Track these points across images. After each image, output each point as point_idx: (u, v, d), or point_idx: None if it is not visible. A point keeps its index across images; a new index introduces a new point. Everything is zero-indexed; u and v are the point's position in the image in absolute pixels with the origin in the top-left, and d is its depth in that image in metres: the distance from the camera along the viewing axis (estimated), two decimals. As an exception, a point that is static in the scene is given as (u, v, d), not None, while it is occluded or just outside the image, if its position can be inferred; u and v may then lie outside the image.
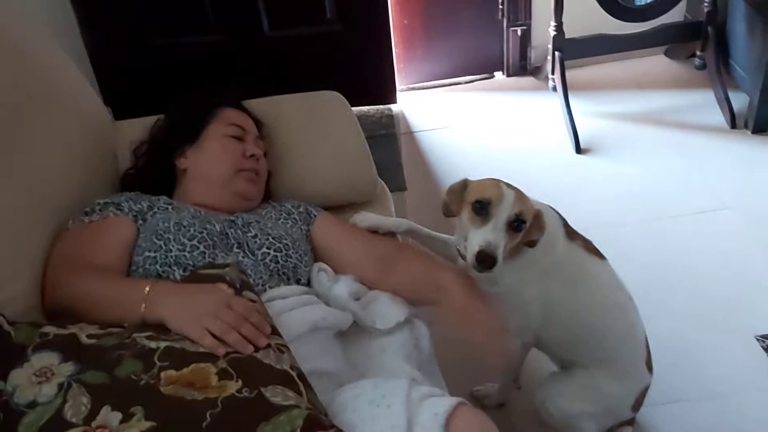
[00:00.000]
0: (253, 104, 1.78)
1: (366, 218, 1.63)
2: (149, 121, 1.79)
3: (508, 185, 1.34)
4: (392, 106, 3.18)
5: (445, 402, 1.12)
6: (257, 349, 1.13)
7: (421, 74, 3.36)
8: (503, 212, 1.29)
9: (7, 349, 1.11)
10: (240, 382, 1.06)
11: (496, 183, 1.34)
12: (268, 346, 1.15)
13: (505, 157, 2.85)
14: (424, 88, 3.37)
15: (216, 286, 1.22)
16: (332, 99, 1.87)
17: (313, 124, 1.80)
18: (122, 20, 2.85)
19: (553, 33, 2.87)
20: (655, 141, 2.87)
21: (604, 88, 3.23)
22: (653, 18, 2.91)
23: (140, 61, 2.96)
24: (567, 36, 2.90)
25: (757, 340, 1.98)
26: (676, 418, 1.79)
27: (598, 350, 1.52)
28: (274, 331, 1.20)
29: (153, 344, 1.11)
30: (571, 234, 1.47)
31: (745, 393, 1.85)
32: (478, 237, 1.29)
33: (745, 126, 2.86)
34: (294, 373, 1.12)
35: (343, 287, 1.44)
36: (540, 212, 1.36)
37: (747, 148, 2.78)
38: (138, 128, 1.79)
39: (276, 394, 1.05)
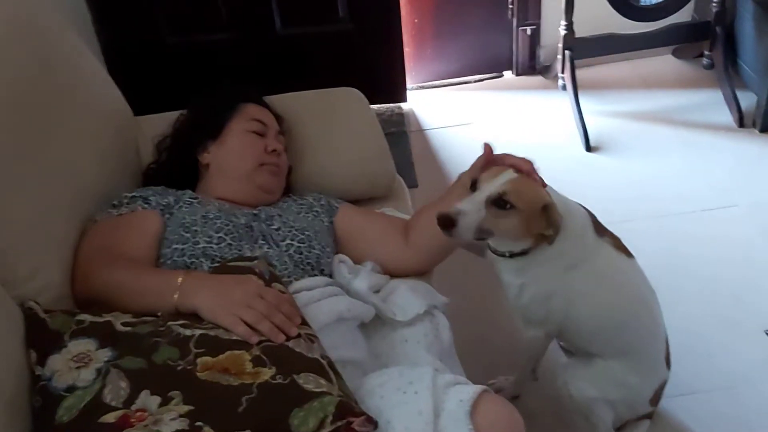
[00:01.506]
0: (273, 100, 1.81)
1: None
2: (169, 116, 1.82)
3: (523, 176, 1.36)
4: (402, 105, 3.21)
5: (470, 389, 1.15)
6: (288, 338, 1.16)
7: (431, 73, 3.39)
8: (487, 189, 1.33)
9: (44, 336, 1.14)
10: (274, 369, 1.08)
11: (501, 169, 1.37)
12: (299, 335, 1.18)
13: (516, 153, 2.87)
14: (433, 87, 3.39)
15: (248, 276, 1.24)
16: (351, 95, 1.90)
17: (332, 119, 1.83)
18: (136, 17, 2.87)
19: (563, 32, 2.90)
20: (664, 139, 2.90)
21: (612, 87, 3.26)
22: (662, 18, 2.94)
23: (153, 59, 2.98)
24: (577, 35, 2.93)
25: (767, 334, 2.01)
26: (686, 410, 1.82)
27: (619, 344, 1.54)
28: (304, 322, 1.22)
29: (188, 332, 1.14)
30: (600, 230, 1.49)
31: (755, 386, 1.88)
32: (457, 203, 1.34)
33: (753, 125, 2.89)
34: (324, 362, 1.15)
35: (362, 281, 1.46)
36: (550, 205, 1.34)
37: (755, 147, 2.81)
38: (158, 123, 1.82)
39: (309, 381, 1.08)
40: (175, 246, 1.41)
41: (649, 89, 3.23)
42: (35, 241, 1.30)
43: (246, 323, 1.15)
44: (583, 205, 1.51)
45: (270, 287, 1.25)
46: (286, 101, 1.84)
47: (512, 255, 1.45)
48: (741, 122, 2.90)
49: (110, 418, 1.01)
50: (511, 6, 3.23)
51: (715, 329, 2.04)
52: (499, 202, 1.32)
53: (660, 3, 2.90)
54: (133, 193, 1.53)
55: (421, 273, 1.61)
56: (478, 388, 1.16)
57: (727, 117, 2.97)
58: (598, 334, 1.55)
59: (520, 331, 1.60)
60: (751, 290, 2.18)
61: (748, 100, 2.93)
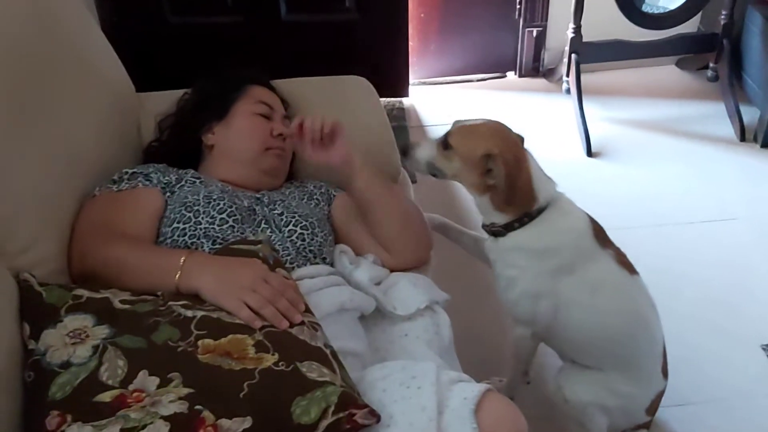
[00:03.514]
0: (280, 84, 1.77)
1: None
2: (171, 94, 1.78)
3: (485, 124, 1.47)
4: (404, 99, 3.18)
5: (475, 387, 1.13)
6: (292, 324, 1.13)
7: (434, 69, 3.36)
8: (440, 135, 1.47)
9: (39, 309, 1.10)
10: (276, 356, 1.05)
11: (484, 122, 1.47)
12: (302, 323, 1.15)
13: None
14: (435, 84, 3.37)
15: (253, 260, 1.21)
16: (359, 84, 1.87)
17: (339, 107, 1.80)
18: (140, -2, 2.84)
19: (571, 35, 2.88)
20: (665, 149, 2.89)
21: (615, 94, 3.25)
22: (671, 26, 2.93)
23: (156, 39, 2.93)
24: (584, 40, 2.91)
25: (763, 349, 2.00)
26: (680, 420, 1.81)
27: (610, 358, 1.52)
28: (307, 309, 1.19)
29: (189, 313, 1.10)
30: (604, 241, 1.46)
31: (749, 400, 1.86)
32: None
33: (754, 140, 2.89)
34: (328, 351, 1.12)
35: (364, 272, 1.43)
36: (493, 155, 1.39)
37: (755, 162, 2.80)
38: (159, 101, 1.79)
39: (312, 370, 1.05)
40: (175, 225, 1.38)
41: (652, 98, 3.22)
42: (32, 212, 1.26)
43: (249, 307, 1.12)
44: (591, 215, 1.50)
45: (274, 272, 1.21)
46: (292, 86, 1.81)
47: (494, 232, 1.47)
48: (742, 136, 2.90)
49: (106, 397, 0.98)
50: (518, 6, 3.21)
51: (711, 341, 2.03)
52: (444, 143, 1.44)
53: (669, 12, 2.88)
54: (134, 169, 1.49)
55: (412, 265, 1.58)
56: (483, 386, 1.13)
57: (728, 130, 2.96)
58: (588, 346, 1.53)
59: (510, 329, 1.59)
60: (748, 304, 2.16)
61: (750, 114, 2.92)
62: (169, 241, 1.37)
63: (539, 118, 3.11)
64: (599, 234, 1.47)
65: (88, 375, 1.00)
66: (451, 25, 3.26)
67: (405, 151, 1.52)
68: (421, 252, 1.59)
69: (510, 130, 1.48)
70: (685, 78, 3.36)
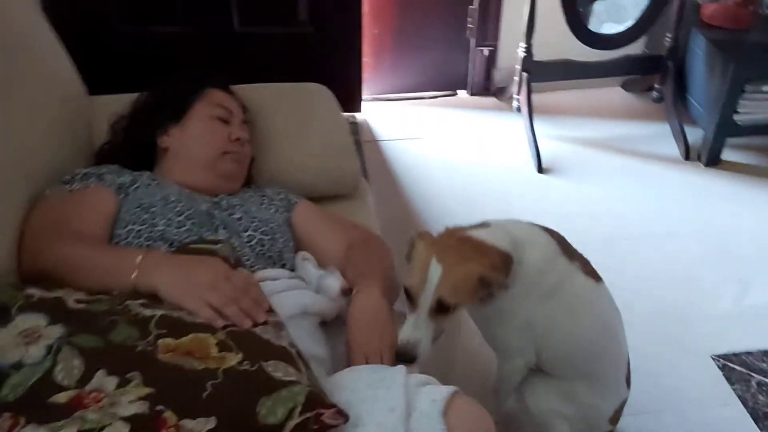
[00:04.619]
0: (239, 89, 1.74)
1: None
2: (124, 98, 1.73)
3: (445, 254, 1.27)
4: (356, 114, 3.17)
5: (443, 389, 1.11)
6: (255, 324, 1.10)
7: (387, 85, 3.37)
8: (425, 302, 1.27)
9: (-12, 309, 1.04)
10: (240, 355, 1.02)
11: (426, 260, 1.27)
12: (266, 322, 1.12)
13: (468, 171, 2.87)
14: (387, 100, 3.37)
15: (214, 258, 1.17)
16: (318, 91, 1.86)
17: (298, 113, 1.78)
18: (87, 3, 2.76)
19: (522, 54, 2.93)
20: (614, 167, 2.94)
21: (563, 113, 3.31)
22: (619, 47, 3.00)
23: (104, 47, 2.87)
24: (535, 59, 2.96)
25: (713, 359, 2.03)
26: (638, 429, 1.81)
27: (585, 368, 1.51)
28: (270, 309, 1.16)
29: (148, 312, 1.06)
30: (570, 254, 1.45)
31: (704, 407, 1.89)
32: (403, 329, 1.29)
33: (698, 159, 2.97)
34: (293, 351, 1.09)
35: (335, 281, 1.40)
36: (484, 276, 1.26)
37: (700, 180, 2.88)
38: (112, 104, 1.73)
39: (278, 369, 1.02)
40: (130, 227, 1.33)
41: (599, 118, 3.28)
42: (-20, 212, 1.20)
43: (211, 306, 1.08)
44: (551, 228, 1.46)
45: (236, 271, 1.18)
46: (251, 92, 1.78)
47: None
48: (687, 155, 2.98)
49: (61, 398, 0.93)
50: (470, 26, 3.25)
51: (664, 352, 2.05)
52: (441, 309, 1.27)
53: (617, 33, 2.96)
54: (87, 170, 1.44)
55: None
56: (450, 388, 1.12)
57: (673, 149, 3.04)
58: (567, 360, 1.52)
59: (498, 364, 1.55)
60: (697, 316, 2.20)
61: (694, 134, 3.01)
62: (123, 243, 1.32)
63: (490, 135, 3.14)
64: (565, 248, 1.45)
65: (42, 375, 0.95)
66: (405, 42, 3.28)
67: (409, 359, 1.27)
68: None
69: (448, 233, 1.35)
70: (630, 99, 3.44)
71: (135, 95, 1.72)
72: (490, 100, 3.39)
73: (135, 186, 1.43)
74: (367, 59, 3.20)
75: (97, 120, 1.71)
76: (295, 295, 1.31)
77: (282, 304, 1.24)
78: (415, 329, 1.28)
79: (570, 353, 1.49)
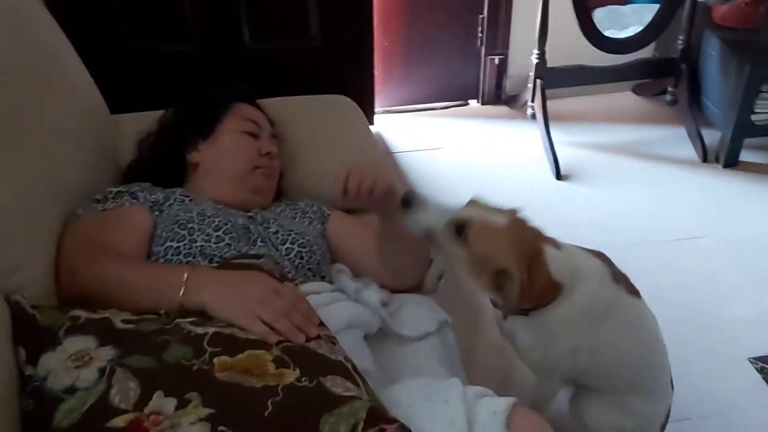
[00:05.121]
0: (265, 103, 1.72)
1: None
2: (148, 115, 1.72)
3: (516, 231, 1.27)
4: (370, 127, 3.15)
5: (503, 401, 1.08)
6: (308, 338, 1.07)
7: (398, 98, 3.35)
8: (464, 211, 1.27)
9: (34, 332, 1.02)
10: (298, 371, 0.99)
11: (490, 218, 1.27)
12: (319, 336, 1.09)
13: (487, 180, 2.85)
14: (399, 112, 3.35)
15: (260, 273, 1.15)
16: (343, 102, 1.84)
17: (325, 125, 1.76)
18: (97, 21, 2.74)
19: (536, 61, 2.91)
20: (632, 171, 2.92)
21: (576, 119, 3.28)
22: (633, 51, 2.99)
23: (114, 65, 2.84)
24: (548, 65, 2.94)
25: (750, 362, 2.00)
26: (683, 435, 1.79)
27: (635, 381, 1.49)
28: (321, 322, 1.13)
29: (200, 330, 1.03)
30: (617, 277, 1.41)
31: (746, 411, 1.85)
32: None
33: (716, 160, 2.94)
34: (349, 365, 1.06)
35: (374, 293, 1.37)
36: (509, 275, 1.22)
37: (719, 182, 2.85)
38: (135, 122, 1.72)
39: (336, 385, 0.99)
40: (168, 243, 1.30)
41: (613, 123, 3.26)
42: (17, 232, 1.18)
43: (263, 321, 1.05)
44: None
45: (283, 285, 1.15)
46: (276, 105, 1.76)
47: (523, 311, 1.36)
48: (705, 157, 2.96)
49: (120, 422, 0.89)
50: (480, 35, 3.24)
51: (699, 357, 2.01)
52: (458, 228, 1.25)
53: (631, 37, 2.94)
54: (119, 188, 1.42)
55: (411, 288, 1.53)
56: (510, 400, 1.08)
57: (690, 152, 3.02)
58: (612, 377, 1.49)
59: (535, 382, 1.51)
60: (728, 318, 2.17)
61: (710, 136, 2.99)
62: (162, 260, 1.29)
63: (507, 143, 3.12)
64: (613, 272, 1.41)
65: (97, 399, 0.92)
66: (415, 54, 3.26)
67: (407, 201, 1.27)
68: (421, 278, 1.54)
69: (530, 229, 1.32)
70: (643, 103, 3.42)
71: (157, 113, 1.70)
72: (503, 109, 3.38)
73: (169, 203, 1.41)
74: (377, 71, 3.18)
75: (121, 139, 1.69)
76: (340, 308, 1.28)
77: (327, 318, 1.21)
78: (434, 207, 1.27)
79: (619, 371, 1.47)
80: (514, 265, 1.23)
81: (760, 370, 1.98)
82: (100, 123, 1.64)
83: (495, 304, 1.38)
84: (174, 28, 2.85)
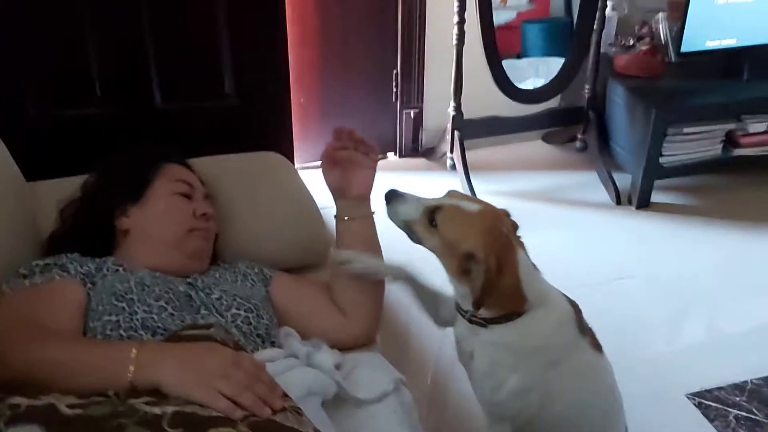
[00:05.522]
0: (193, 163, 1.65)
1: (360, 260, 1.46)
2: (66, 181, 1.62)
3: (487, 218, 1.32)
4: (289, 185, 3.10)
5: None
6: (274, 411, 1.00)
7: (315, 153, 3.31)
8: (437, 199, 1.35)
9: (-34, 426, 0.90)
10: (269, 448, 0.92)
11: (462, 204, 1.34)
12: (284, 408, 1.02)
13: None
14: (318, 168, 3.31)
15: (215, 344, 1.07)
16: (275, 159, 1.79)
17: (258, 183, 1.70)
18: (-2, 88, 2.60)
19: (452, 113, 2.96)
20: (551, 217, 2.99)
21: (492, 169, 3.34)
22: (545, 100, 3.10)
23: (14, 133, 2.69)
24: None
25: (688, 398, 2.03)
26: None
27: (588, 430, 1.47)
28: (285, 393, 1.06)
29: (157, 410, 0.94)
30: (583, 330, 1.41)
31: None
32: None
33: (629, 203, 3.05)
34: (321, 437, 0.99)
35: (326, 356, 1.30)
36: (474, 257, 1.25)
37: (635, 223, 2.96)
38: (53, 189, 1.61)
39: (311, 459, 0.92)
40: (107, 318, 1.20)
41: (528, 171, 3.34)
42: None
43: (225, 396, 0.98)
44: (572, 299, 1.43)
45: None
46: (204, 164, 1.69)
47: (472, 320, 1.36)
48: (618, 200, 3.06)
49: None
50: (395, 89, 3.27)
51: (639, 401, 1.99)
52: (430, 216, 1.32)
53: (541, 87, 3.04)
54: (46, 261, 1.31)
55: (363, 341, 1.51)
56: None
57: (604, 195, 3.12)
58: (568, 426, 1.47)
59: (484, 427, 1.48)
60: (665, 355, 2.22)
61: (621, 180, 3.10)
62: (100, 336, 1.19)
63: (426, 195, 3.12)
64: (580, 322, 1.41)
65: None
66: (331, 109, 3.26)
67: (389, 198, 1.41)
68: (375, 323, 1.51)
69: (505, 221, 1.36)
70: (554, 151, 3.53)
71: (77, 178, 1.60)
72: (421, 161, 3.40)
73: (101, 274, 1.31)
74: (295, 128, 3.15)
75: (40, 207, 1.58)
76: (297, 375, 1.21)
77: (286, 386, 1.13)
78: (415, 197, 1.38)
79: (571, 422, 1.44)
80: (481, 250, 1.25)
81: (698, 405, 2.01)
82: (16, 191, 1.53)
83: (461, 311, 1.38)
84: (79, 91, 2.73)
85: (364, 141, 1.57)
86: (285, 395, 1.06)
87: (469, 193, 2.93)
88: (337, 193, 1.57)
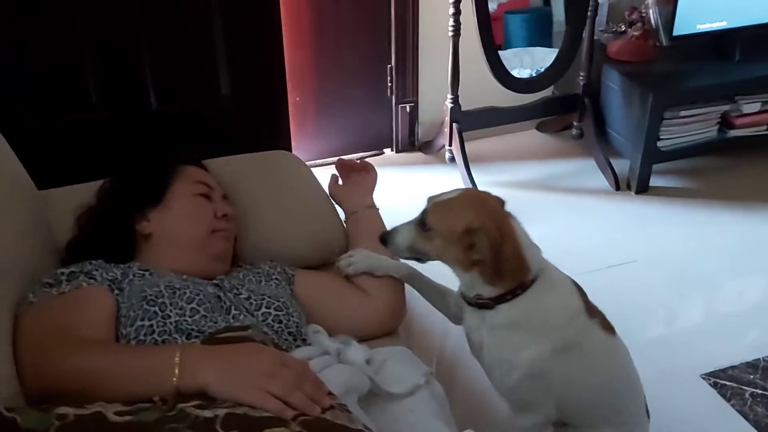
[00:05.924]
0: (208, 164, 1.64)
1: (363, 258, 1.52)
2: (79, 189, 1.60)
3: (470, 197, 1.40)
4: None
5: None
6: (323, 409, 0.99)
7: (313, 151, 3.31)
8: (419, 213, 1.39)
9: (17, 438, 0.89)
10: (323, 446, 0.91)
11: (453, 193, 1.41)
12: (332, 406, 1.01)
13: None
14: (315, 165, 3.30)
15: (259, 344, 1.06)
16: (287, 158, 1.78)
17: (273, 183, 1.69)
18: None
19: (450, 105, 2.95)
20: (551, 205, 3.00)
21: (490, 160, 3.34)
22: (541, 89, 3.10)
23: (7, 137, 2.65)
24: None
25: (703, 378, 2.05)
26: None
27: (607, 416, 1.47)
28: (330, 391, 1.06)
29: (208, 413, 0.93)
30: (591, 311, 1.41)
31: (711, 428, 1.89)
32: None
33: (628, 188, 3.07)
34: (371, 432, 0.99)
35: (358, 352, 1.30)
36: (473, 229, 1.30)
37: (635, 207, 2.97)
38: (66, 197, 1.60)
39: (365, 455, 0.91)
40: (140, 323, 1.19)
41: (526, 161, 3.35)
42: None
43: (275, 396, 0.97)
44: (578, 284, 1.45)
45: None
46: (220, 165, 1.68)
47: (479, 305, 1.37)
48: (617, 186, 3.07)
49: None
50: (390, 84, 3.26)
51: (653, 383, 1.99)
52: (422, 223, 1.36)
53: (538, 76, 3.05)
54: (71, 269, 1.29)
55: (390, 323, 1.54)
56: None
57: (602, 182, 3.13)
58: (583, 413, 1.47)
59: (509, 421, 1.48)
60: (672, 338, 2.24)
61: (619, 165, 3.11)
62: (134, 342, 1.18)
63: (427, 188, 3.08)
64: (587, 304, 1.42)
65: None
66: (327, 107, 3.24)
67: (384, 239, 1.43)
68: (399, 297, 1.55)
69: (489, 196, 1.41)
70: (549, 140, 3.53)
71: (90, 185, 1.59)
72: (418, 155, 3.40)
73: (128, 279, 1.30)
74: (291, 127, 3.13)
75: (54, 215, 1.56)
76: (335, 372, 1.20)
77: (326, 385, 1.14)
78: (403, 223, 1.42)
79: (589, 406, 1.45)
80: (475, 220, 1.30)
81: (714, 385, 2.03)
82: (30, 201, 1.50)
83: (467, 299, 1.40)
84: (73, 96, 2.70)
85: (356, 163, 1.74)
86: (330, 393, 1.05)
87: (470, 186, 2.93)
88: (344, 201, 1.69)
